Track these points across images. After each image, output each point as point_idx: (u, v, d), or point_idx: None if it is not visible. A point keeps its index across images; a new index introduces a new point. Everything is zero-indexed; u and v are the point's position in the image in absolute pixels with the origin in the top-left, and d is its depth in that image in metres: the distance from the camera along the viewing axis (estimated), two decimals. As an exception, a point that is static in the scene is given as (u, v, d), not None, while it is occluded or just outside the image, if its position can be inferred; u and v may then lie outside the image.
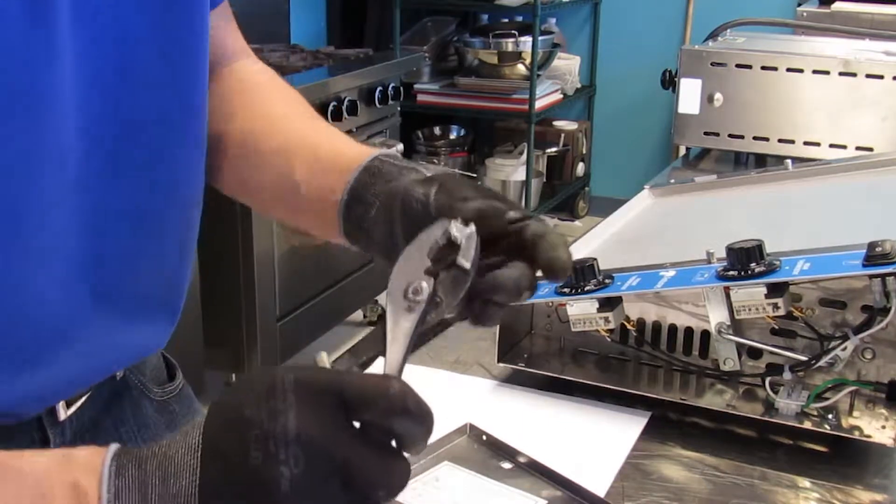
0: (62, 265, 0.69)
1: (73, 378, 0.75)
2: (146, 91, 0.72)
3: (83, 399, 0.80)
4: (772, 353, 0.95)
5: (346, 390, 0.51)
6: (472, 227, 0.59)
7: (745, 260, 0.90)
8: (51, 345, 0.70)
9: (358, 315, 3.50)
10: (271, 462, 0.49)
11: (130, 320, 0.77)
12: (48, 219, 0.67)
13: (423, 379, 1.05)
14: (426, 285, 0.56)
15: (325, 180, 0.74)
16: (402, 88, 3.16)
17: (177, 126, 0.76)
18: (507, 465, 0.88)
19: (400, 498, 0.53)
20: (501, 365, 1.05)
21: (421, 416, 0.52)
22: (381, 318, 3.50)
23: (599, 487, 0.85)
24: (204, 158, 0.81)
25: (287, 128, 0.82)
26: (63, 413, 0.78)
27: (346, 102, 2.78)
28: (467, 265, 0.58)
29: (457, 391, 1.04)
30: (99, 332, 0.73)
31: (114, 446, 0.54)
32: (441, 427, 0.96)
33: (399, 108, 3.18)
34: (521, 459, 0.88)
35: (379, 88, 2.96)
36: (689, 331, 1.00)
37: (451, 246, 0.59)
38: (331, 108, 2.70)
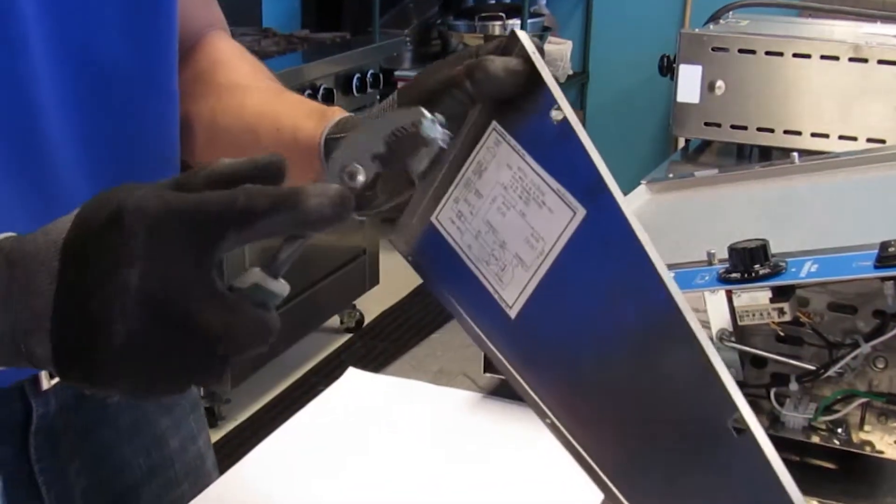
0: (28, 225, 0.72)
1: None
2: (113, 46, 0.78)
3: None
4: (777, 361, 0.95)
5: (201, 214, 0.50)
6: (440, 133, 0.56)
7: (748, 261, 0.90)
8: None
9: (335, 321, 3.49)
10: (109, 318, 0.49)
11: None
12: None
13: (401, 392, 1.05)
14: (362, 176, 0.55)
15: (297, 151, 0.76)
16: (381, 75, 3.16)
17: (147, 79, 0.81)
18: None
19: None
20: (488, 375, 1.04)
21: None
22: (360, 324, 3.52)
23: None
24: (177, 113, 0.85)
25: (252, 103, 0.84)
26: (46, 382, 0.82)
27: (321, 90, 2.77)
28: (415, 178, 0.57)
29: (439, 406, 1.03)
30: None
31: None
32: (420, 449, 0.96)
33: (378, 97, 3.18)
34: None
35: (357, 75, 2.96)
36: (688, 338, 1.00)
37: (412, 140, 0.56)
38: (305, 96, 2.69)
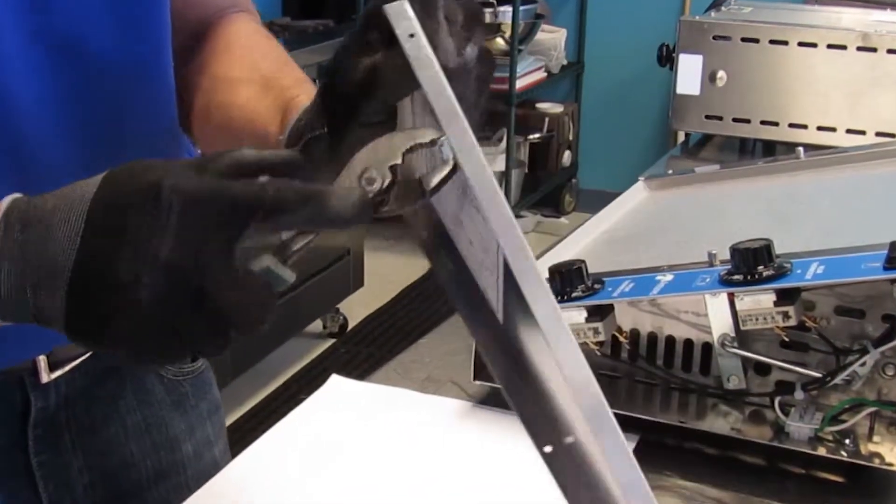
0: None
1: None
2: (100, 34, 0.80)
3: (72, 365, 0.88)
4: (782, 369, 0.95)
5: (236, 201, 0.55)
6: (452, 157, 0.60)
7: (751, 262, 0.90)
8: None
9: (317, 326, 3.49)
10: (135, 283, 0.55)
11: None
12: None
13: (387, 401, 1.05)
14: (379, 183, 0.59)
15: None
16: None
17: (136, 67, 0.84)
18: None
19: None
20: (478, 383, 1.04)
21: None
22: (344, 328, 3.52)
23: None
24: (172, 94, 0.88)
25: (238, 102, 0.86)
26: (45, 376, 0.86)
27: (301, 82, 2.77)
28: (428, 191, 0.60)
29: (426, 415, 1.03)
30: None
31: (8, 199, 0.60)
32: (407, 462, 0.96)
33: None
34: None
35: (339, 66, 2.95)
36: (688, 343, 1.00)
37: (429, 157, 0.60)
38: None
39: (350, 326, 3.55)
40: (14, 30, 0.75)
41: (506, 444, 0.97)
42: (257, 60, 0.90)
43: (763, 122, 1.92)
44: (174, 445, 0.98)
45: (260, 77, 0.87)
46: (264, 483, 0.92)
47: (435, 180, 0.61)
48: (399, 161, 0.60)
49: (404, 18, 0.59)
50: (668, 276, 0.96)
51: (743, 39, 1.90)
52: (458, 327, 1.14)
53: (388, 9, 0.59)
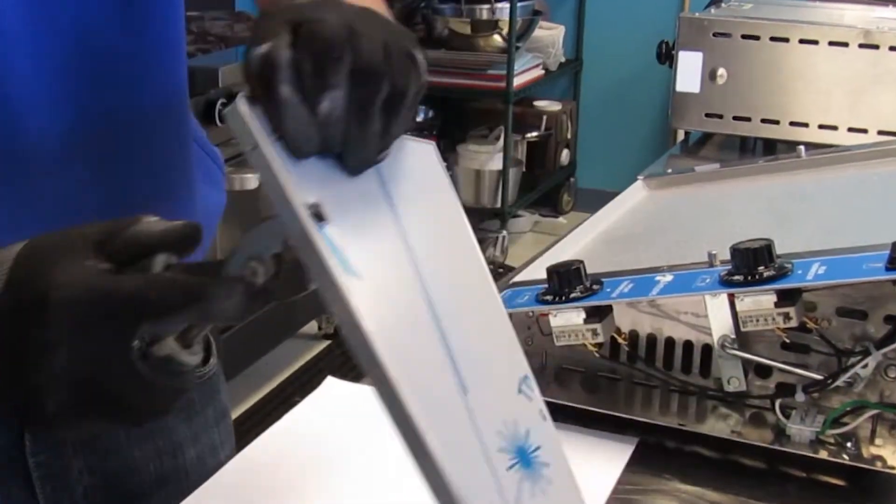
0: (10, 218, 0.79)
1: None
2: (107, 28, 0.81)
3: None
4: (782, 370, 0.95)
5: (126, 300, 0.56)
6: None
7: (752, 262, 0.90)
8: None
9: (312, 327, 3.49)
10: (42, 390, 0.57)
11: None
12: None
13: (374, 405, 1.04)
14: (262, 275, 0.58)
15: None
16: (360, 64, 3.15)
17: (145, 60, 0.84)
18: None
19: None
20: (473, 386, 1.04)
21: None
22: (339, 330, 3.51)
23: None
24: (182, 83, 0.89)
25: None
26: None
27: (295, 80, 2.76)
28: (309, 286, 0.59)
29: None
30: None
31: None
32: (404, 465, 0.95)
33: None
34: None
35: (334, 64, 2.95)
36: (688, 345, 1.00)
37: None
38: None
39: (345, 327, 3.54)
40: (21, 23, 0.75)
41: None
42: None
43: (763, 121, 1.92)
44: (177, 451, 0.98)
45: None
46: (259, 486, 0.92)
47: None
48: (279, 250, 0.58)
49: (243, 128, 0.56)
50: (668, 277, 0.96)
51: (743, 36, 1.90)
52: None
53: (228, 116, 0.57)
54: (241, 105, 0.56)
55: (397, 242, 0.62)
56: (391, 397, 0.56)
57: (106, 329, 0.56)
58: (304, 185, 0.56)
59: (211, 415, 1.02)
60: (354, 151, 0.60)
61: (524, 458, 0.65)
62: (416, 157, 0.68)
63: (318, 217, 0.56)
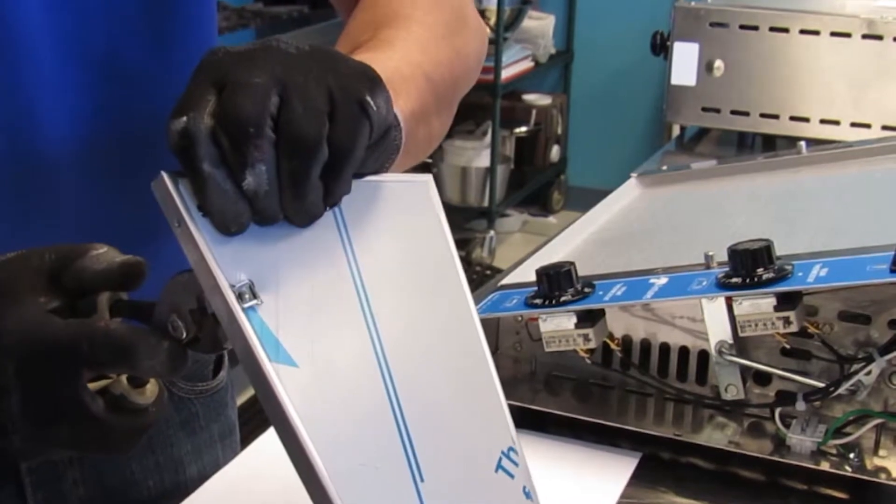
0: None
1: None
2: (133, 47, 0.83)
3: None
4: (782, 378, 0.95)
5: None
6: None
7: (750, 264, 0.90)
8: None
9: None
10: (3, 420, 0.59)
11: None
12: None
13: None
14: (182, 331, 0.58)
15: None
16: (340, 55, 3.15)
17: (167, 79, 0.84)
18: None
19: None
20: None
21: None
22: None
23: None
24: None
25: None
26: None
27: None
28: (228, 346, 0.58)
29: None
30: None
31: None
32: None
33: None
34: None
35: (313, 55, 2.95)
36: (683, 351, 1.00)
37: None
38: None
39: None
40: (51, 48, 0.78)
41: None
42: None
43: (763, 115, 1.93)
44: (178, 467, 0.98)
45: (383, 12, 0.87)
46: (258, 487, 0.92)
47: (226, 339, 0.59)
48: (195, 306, 0.58)
49: (168, 204, 0.56)
50: (663, 279, 0.96)
51: (741, 27, 1.91)
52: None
53: (154, 190, 0.56)
54: (167, 180, 0.55)
55: (353, 308, 0.61)
56: (321, 496, 0.55)
57: (51, 374, 0.58)
58: (238, 258, 0.56)
59: (216, 431, 1.02)
60: (294, 219, 0.59)
61: None
62: (398, 196, 0.66)
63: (252, 295, 0.56)
